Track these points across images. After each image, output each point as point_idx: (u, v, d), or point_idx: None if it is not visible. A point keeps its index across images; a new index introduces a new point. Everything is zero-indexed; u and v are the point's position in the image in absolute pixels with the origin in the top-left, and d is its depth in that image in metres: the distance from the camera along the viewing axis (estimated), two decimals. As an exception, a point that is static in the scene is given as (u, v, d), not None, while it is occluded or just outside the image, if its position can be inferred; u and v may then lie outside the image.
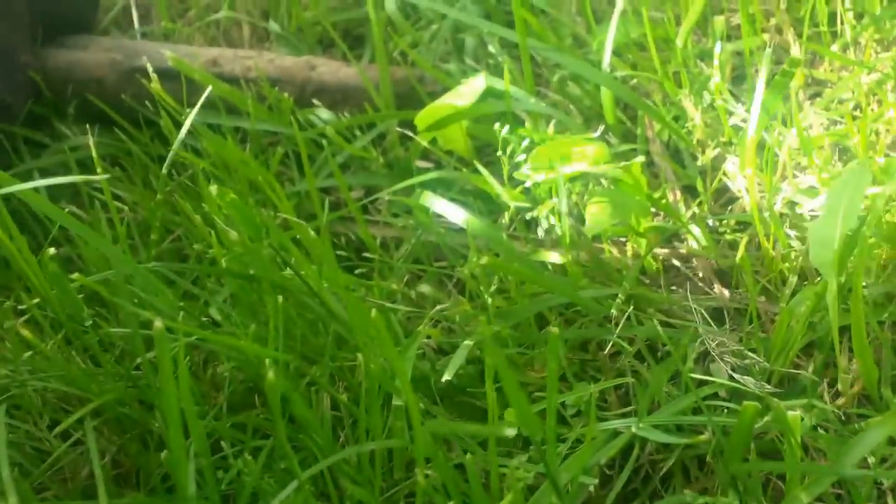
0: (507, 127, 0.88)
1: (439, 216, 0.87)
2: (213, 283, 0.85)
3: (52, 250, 0.75)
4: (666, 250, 0.88)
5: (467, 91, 0.95)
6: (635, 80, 1.04)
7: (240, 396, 0.77)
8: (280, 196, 0.88)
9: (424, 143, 0.97)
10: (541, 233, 0.87)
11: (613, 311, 0.79)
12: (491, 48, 1.09)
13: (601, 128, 0.96)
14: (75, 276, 0.71)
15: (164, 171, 0.83)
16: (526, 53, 0.97)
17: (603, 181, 0.91)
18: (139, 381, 0.75)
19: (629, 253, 0.87)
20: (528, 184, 0.87)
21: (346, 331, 0.75)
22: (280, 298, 0.71)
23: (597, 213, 0.85)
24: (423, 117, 0.95)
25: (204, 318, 0.79)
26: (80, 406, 0.73)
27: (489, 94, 0.97)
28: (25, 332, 0.78)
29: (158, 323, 0.57)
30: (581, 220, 0.87)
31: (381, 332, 0.63)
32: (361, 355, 0.68)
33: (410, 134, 0.97)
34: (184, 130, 0.80)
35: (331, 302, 0.74)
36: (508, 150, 0.88)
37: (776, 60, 0.84)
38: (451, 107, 0.94)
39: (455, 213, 0.85)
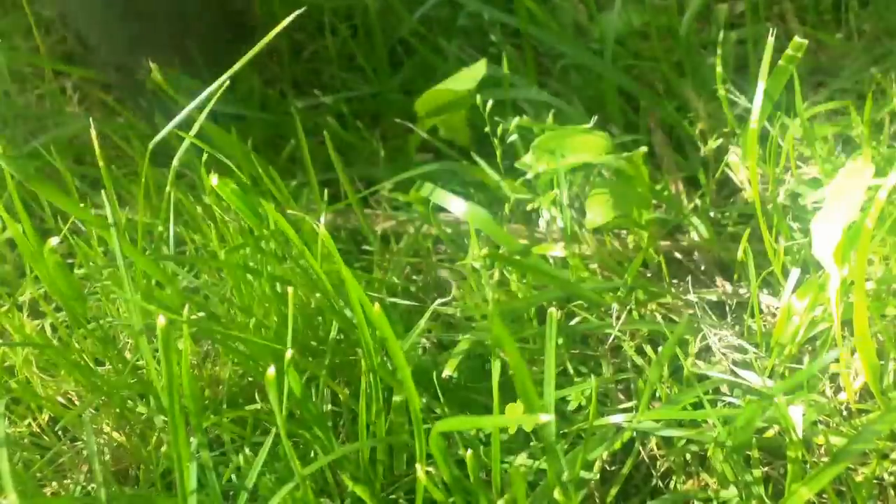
0: (494, 110, 0.87)
1: (440, 208, 0.87)
2: (214, 275, 0.85)
3: (54, 240, 0.75)
4: (667, 243, 0.88)
5: (467, 77, 0.95)
6: (636, 71, 1.03)
7: (240, 390, 0.77)
8: (280, 187, 0.87)
9: (423, 134, 0.96)
10: (542, 224, 0.87)
11: (614, 305, 0.79)
12: (493, 37, 1.08)
13: (603, 118, 0.96)
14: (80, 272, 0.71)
15: (175, 162, 0.82)
16: (528, 42, 0.97)
17: (604, 172, 0.90)
18: (141, 376, 0.75)
19: (630, 245, 0.86)
20: (529, 175, 0.87)
21: (348, 325, 0.74)
22: (279, 290, 0.71)
23: (598, 205, 0.85)
24: (423, 102, 0.94)
25: (202, 312, 0.79)
26: (80, 400, 0.73)
27: (491, 82, 0.96)
28: (27, 326, 0.78)
29: (162, 319, 0.56)
30: (582, 211, 0.87)
31: (384, 327, 0.62)
32: (362, 350, 0.68)
33: (410, 125, 0.96)
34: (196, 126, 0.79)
35: (332, 295, 0.74)
36: (499, 133, 0.87)
37: (779, 49, 0.84)
38: (451, 92, 0.93)
39: (456, 205, 0.85)
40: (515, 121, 0.87)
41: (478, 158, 0.88)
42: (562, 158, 0.83)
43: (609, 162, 0.84)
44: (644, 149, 0.86)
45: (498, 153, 0.87)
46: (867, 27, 0.99)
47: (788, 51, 0.81)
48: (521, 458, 0.70)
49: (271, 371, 0.59)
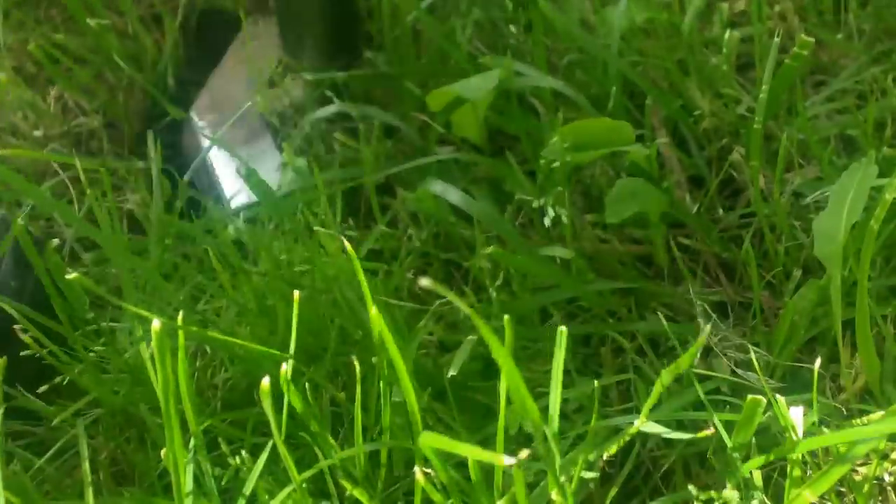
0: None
1: (448, 204, 0.86)
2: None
3: (55, 241, 0.75)
4: (670, 242, 0.87)
5: (480, 84, 0.92)
6: (640, 68, 1.02)
7: (239, 393, 0.76)
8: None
9: (440, 129, 0.94)
10: (547, 222, 0.86)
11: (616, 305, 0.79)
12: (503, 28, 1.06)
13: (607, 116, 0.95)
14: (74, 275, 0.70)
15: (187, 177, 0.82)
16: (539, 31, 0.95)
17: (610, 170, 0.89)
18: (139, 378, 0.75)
19: (635, 244, 0.86)
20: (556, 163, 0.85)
21: (350, 324, 0.74)
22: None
23: (617, 202, 0.83)
24: (433, 99, 0.92)
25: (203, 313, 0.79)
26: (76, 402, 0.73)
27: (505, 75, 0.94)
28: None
29: (156, 324, 0.56)
30: (587, 209, 0.86)
31: (382, 328, 0.62)
32: (356, 355, 0.68)
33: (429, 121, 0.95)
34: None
35: (339, 295, 0.74)
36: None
37: (781, 49, 0.83)
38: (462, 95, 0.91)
39: (465, 203, 0.84)
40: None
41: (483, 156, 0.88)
42: (572, 154, 0.81)
43: (631, 150, 0.82)
44: (662, 140, 0.85)
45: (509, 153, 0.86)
46: (867, 27, 0.99)
47: (795, 49, 0.80)
48: (521, 459, 0.70)
49: (265, 382, 0.58)
